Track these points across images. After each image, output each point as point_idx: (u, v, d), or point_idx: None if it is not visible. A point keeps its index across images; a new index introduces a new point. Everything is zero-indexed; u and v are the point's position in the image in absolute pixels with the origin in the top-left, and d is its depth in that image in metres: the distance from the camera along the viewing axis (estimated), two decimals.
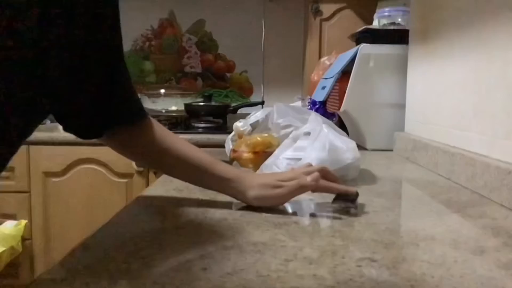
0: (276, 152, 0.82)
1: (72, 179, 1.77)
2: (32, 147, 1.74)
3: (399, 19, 1.35)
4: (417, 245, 0.49)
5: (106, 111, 0.58)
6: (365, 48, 1.26)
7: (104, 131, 0.61)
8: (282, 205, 0.64)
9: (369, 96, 1.27)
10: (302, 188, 0.62)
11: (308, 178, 0.61)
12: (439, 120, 1.00)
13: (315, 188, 0.62)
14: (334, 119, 1.41)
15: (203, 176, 0.65)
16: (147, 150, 0.66)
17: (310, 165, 0.67)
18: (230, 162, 0.92)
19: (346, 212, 0.62)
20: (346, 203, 0.63)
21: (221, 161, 0.66)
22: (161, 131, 0.66)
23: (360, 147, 1.14)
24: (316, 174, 0.62)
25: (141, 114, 0.64)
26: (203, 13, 2.40)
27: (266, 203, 0.63)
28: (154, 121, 0.66)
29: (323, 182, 0.63)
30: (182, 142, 0.66)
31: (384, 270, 0.41)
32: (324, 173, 0.64)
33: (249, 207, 0.63)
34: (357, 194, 0.64)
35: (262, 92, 2.42)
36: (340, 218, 0.59)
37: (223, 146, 1.01)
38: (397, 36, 1.27)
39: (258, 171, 0.82)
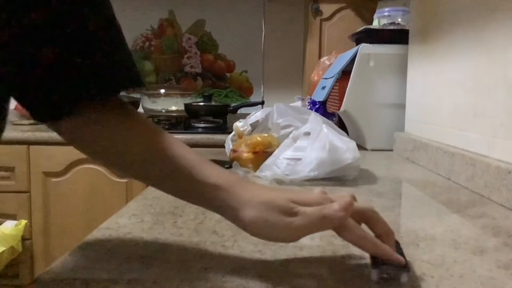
0: (276, 152, 0.82)
1: (72, 179, 1.77)
2: (32, 147, 1.74)
3: (399, 19, 1.35)
4: (417, 245, 0.49)
5: (70, 79, 0.42)
6: (365, 48, 1.26)
7: (65, 109, 0.44)
8: (294, 242, 0.41)
9: (369, 96, 1.27)
10: (325, 220, 0.38)
11: (335, 206, 0.38)
12: (439, 120, 1.00)
13: (344, 227, 0.39)
14: (334, 119, 1.41)
15: (177, 180, 0.45)
16: (101, 145, 0.47)
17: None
18: (230, 162, 0.92)
19: (393, 279, 0.38)
20: (393, 267, 0.38)
21: (211, 161, 0.45)
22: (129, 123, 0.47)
23: (360, 147, 1.14)
24: (347, 200, 0.39)
25: (117, 86, 0.45)
26: (203, 13, 2.40)
27: (267, 234, 0.40)
28: (132, 111, 0.48)
29: (359, 231, 0.39)
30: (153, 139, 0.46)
31: None
32: (366, 215, 0.41)
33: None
34: (406, 264, 0.39)
35: (262, 92, 2.43)
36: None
37: (223, 146, 1.01)
38: (397, 36, 1.28)
39: (258, 172, 0.82)
